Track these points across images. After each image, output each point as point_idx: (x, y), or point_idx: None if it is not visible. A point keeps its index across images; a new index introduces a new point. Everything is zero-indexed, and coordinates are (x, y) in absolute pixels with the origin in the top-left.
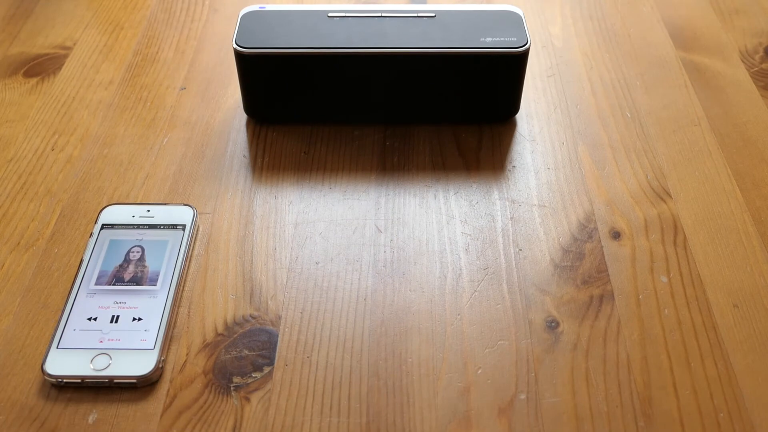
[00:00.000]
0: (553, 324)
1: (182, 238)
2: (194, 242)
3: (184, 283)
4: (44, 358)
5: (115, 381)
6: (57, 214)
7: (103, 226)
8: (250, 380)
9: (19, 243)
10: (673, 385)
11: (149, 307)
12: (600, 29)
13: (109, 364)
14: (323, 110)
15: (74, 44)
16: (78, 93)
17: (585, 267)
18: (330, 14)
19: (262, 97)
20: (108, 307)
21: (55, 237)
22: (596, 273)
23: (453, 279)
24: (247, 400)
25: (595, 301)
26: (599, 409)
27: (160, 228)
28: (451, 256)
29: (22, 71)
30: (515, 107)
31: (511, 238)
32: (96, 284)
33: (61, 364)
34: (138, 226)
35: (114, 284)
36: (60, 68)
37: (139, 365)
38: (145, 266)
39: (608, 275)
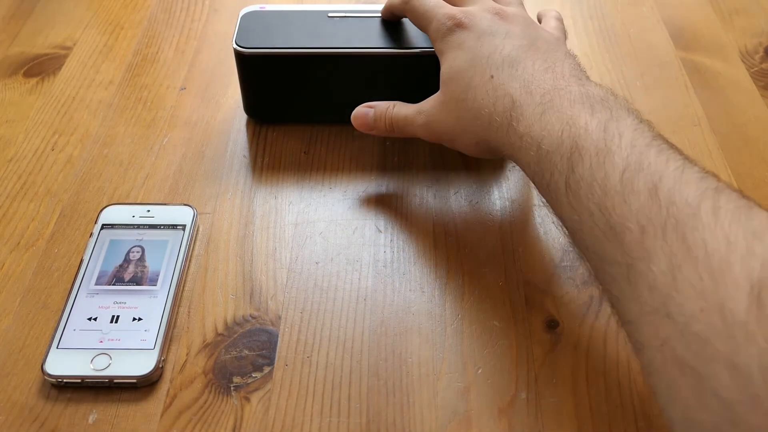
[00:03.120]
0: (553, 324)
1: (182, 238)
2: (194, 242)
3: (184, 283)
4: (44, 358)
5: (115, 381)
6: (57, 214)
7: (103, 226)
8: (250, 380)
9: (19, 243)
10: None
11: (149, 307)
12: (600, 29)
13: (109, 364)
14: (323, 110)
15: (74, 44)
16: (78, 93)
17: (585, 267)
18: (330, 14)
19: (262, 97)
20: (108, 307)
21: (55, 237)
22: None
23: (453, 279)
24: (247, 400)
25: (595, 301)
26: (599, 409)
27: (160, 228)
28: (451, 255)
29: (22, 71)
30: None
31: (510, 238)
32: (96, 284)
33: (61, 364)
34: (138, 226)
35: (114, 284)
36: (60, 68)
37: (139, 365)
38: (145, 266)
39: None
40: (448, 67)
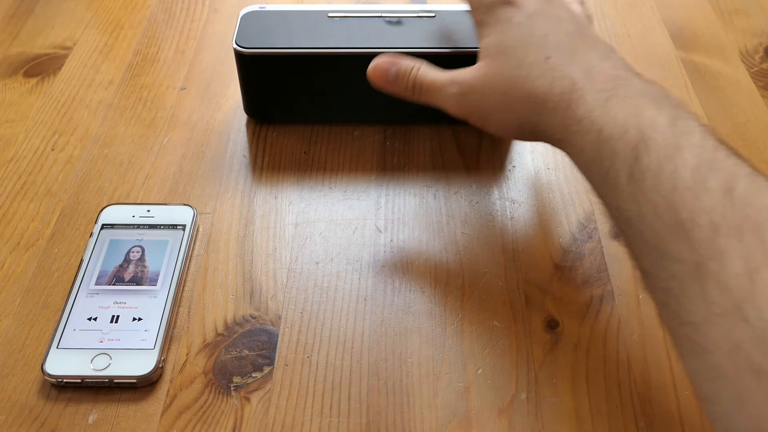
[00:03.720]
0: (553, 324)
1: (182, 238)
2: (194, 242)
3: (184, 283)
4: (44, 358)
5: (115, 381)
6: (57, 214)
7: (103, 226)
8: (250, 380)
9: (19, 243)
10: (673, 385)
11: (149, 307)
12: (600, 29)
13: (109, 364)
14: (323, 110)
15: (74, 44)
16: (78, 93)
17: (585, 267)
18: (330, 14)
19: (262, 97)
20: (108, 307)
21: (55, 237)
22: (596, 273)
23: (453, 279)
24: (247, 400)
25: (595, 301)
26: (599, 409)
27: (160, 228)
28: (450, 256)
29: (22, 71)
30: None
31: (511, 238)
32: (96, 284)
33: (61, 364)
34: (138, 226)
35: (114, 284)
36: (60, 68)
37: (139, 365)
38: (145, 266)
39: (608, 275)
40: (496, 40)
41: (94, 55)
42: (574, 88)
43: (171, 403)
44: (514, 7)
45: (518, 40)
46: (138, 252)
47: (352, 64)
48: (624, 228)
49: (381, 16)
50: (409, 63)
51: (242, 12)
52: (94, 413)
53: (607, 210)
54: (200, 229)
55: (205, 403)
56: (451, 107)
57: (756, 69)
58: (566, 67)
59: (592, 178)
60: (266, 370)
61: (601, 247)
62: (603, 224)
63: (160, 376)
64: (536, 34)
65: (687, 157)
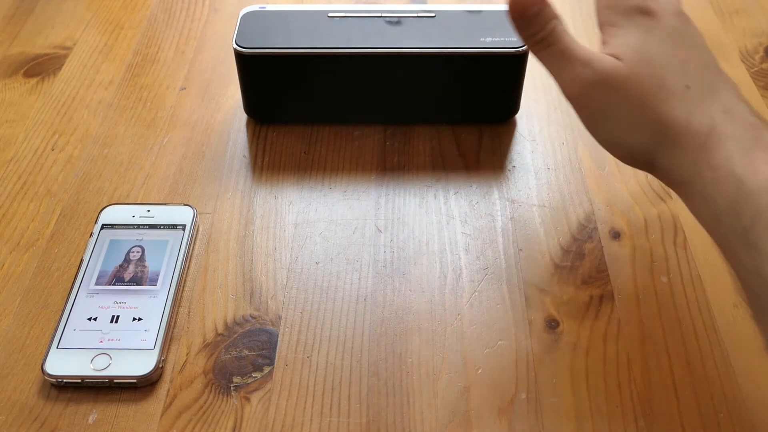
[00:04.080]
0: (553, 324)
1: (182, 238)
2: (194, 242)
3: (184, 283)
4: (44, 358)
5: (115, 381)
6: (57, 214)
7: (103, 226)
8: (250, 380)
9: (19, 243)
10: (673, 385)
11: (149, 307)
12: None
13: (109, 364)
14: (323, 110)
15: (74, 44)
16: (78, 93)
17: (585, 267)
18: (330, 14)
19: (262, 97)
20: (108, 307)
21: (55, 237)
22: (596, 273)
23: (453, 279)
24: (247, 400)
25: (595, 301)
26: (599, 409)
27: (160, 228)
28: (451, 256)
29: (22, 71)
30: (515, 107)
31: (511, 238)
32: (96, 284)
33: (61, 364)
34: (138, 226)
35: (114, 284)
36: (60, 68)
37: (139, 365)
38: (145, 266)
39: (608, 275)
40: (635, 46)
41: (94, 55)
42: (714, 129)
43: (171, 403)
44: (654, 20)
45: (660, 56)
46: (138, 252)
47: (352, 64)
48: (762, 295)
49: (381, 16)
50: (554, 12)
51: (242, 12)
52: (94, 413)
53: (737, 271)
54: (200, 229)
55: (205, 403)
56: (571, 88)
57: (756, 69)
58: (706, 103)
59: (721, 233)
60: (266, 370)
61: (601, 247)
62: (603, 224)
63: (160, 376)
64: (677, 57)
65: None
